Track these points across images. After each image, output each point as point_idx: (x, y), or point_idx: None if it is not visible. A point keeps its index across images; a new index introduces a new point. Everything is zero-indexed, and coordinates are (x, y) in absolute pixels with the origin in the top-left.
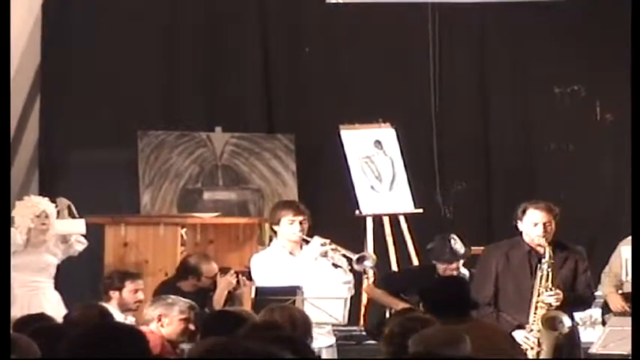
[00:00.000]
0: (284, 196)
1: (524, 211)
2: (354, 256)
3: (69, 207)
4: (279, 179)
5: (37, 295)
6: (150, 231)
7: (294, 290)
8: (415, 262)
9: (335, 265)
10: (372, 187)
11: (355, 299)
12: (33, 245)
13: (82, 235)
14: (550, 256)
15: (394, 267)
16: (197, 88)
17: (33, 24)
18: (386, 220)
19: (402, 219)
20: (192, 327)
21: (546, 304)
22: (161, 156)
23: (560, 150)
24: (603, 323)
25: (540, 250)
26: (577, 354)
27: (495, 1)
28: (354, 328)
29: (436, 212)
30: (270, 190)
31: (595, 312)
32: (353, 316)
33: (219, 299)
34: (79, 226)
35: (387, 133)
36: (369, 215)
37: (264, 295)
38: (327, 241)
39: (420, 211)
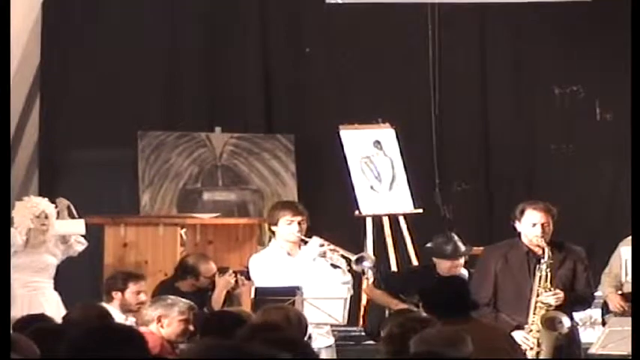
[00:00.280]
0: (283, 197)
1: (522, 212)
2: (353, 257)
3: (69, 207)
4: (279, 179)
5: (37, 295)
6: (149, 231)
7: (293, 291)
8: (415, 262)
9: (334, 266)
10: (371, 188)
11: (354, 300)
12: (33, 246)
13: (82, 236)
14: (549, 257)
15: (394, 267)
16: (197, 88)
17: (33, 24)
18: (385, 221)
19: (401, 219)
20: (191, 328)
21: (545, 304)
22: (161, 156)
23: (560, 150)
24: (603, 323)
25: (539, 250)
26: (577, 354)
27: (495, 1)
28: (354, 328)
29: (436, 212)
30: (270, 191)
31: (595, 312)
32: (352, 317)
33: (217, 299)
34: (78, 226)
35: (386, 134)
36: (369, 215)
37: (263, 296)
38: (326, 242)
39: (420, 211)
